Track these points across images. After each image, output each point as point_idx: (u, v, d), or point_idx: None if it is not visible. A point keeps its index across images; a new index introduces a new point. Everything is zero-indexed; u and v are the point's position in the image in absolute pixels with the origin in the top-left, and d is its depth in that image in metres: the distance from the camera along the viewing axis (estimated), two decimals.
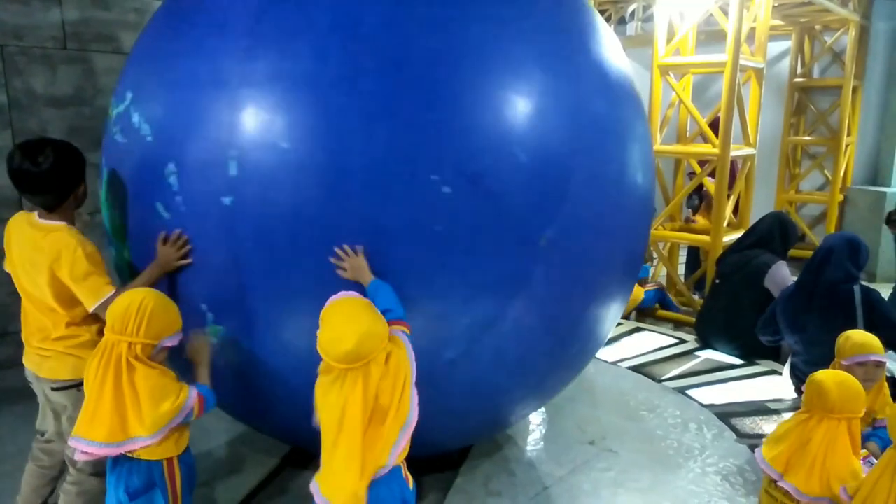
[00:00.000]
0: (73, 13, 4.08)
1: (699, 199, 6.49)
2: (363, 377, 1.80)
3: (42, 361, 2.38)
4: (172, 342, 2.12)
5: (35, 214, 2.34)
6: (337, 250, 2.16)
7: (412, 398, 1.90)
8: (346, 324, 1.81)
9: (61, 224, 2.31)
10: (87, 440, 1.99)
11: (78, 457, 2.06)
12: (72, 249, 2.23)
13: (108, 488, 2.15)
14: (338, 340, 1.79)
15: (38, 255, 2.26)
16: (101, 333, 2.33)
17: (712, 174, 5.40)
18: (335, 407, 1.80)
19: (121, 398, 2.00)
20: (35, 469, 2.56)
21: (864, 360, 2.77)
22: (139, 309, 2.02)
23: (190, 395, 2.10)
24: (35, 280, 2.30)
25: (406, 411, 1.88)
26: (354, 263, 2.15)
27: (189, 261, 2.33)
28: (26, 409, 2.54)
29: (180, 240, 2.32)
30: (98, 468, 2.34)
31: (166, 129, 2.35)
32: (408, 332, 2.01)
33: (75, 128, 4.12)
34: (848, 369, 2.72)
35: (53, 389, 2.39)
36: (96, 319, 2.34)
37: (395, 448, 1.85)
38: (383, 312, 1.95)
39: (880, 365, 2.80)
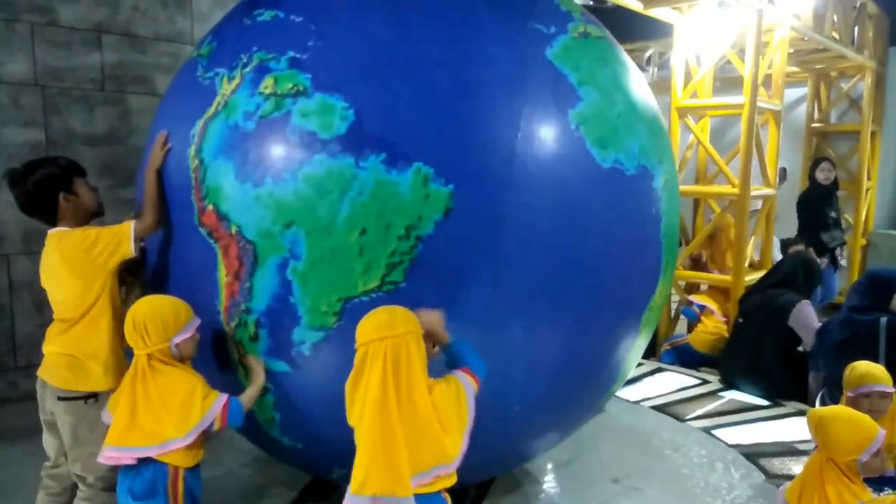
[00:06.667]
0: (112, 56, 4.28)
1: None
2: (389, 350, 1.86)
3: (53, 369, 2.41)
4: (186, 335, 2.19)
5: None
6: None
7: (462, 443, 1.97)
8: (382, 308, 1.98)
9: (69, 229, 2.42)
10: (124, 447, 2.05)
11: (101, 460, 2.11)
12: (77, 231, 2.38)
13: (118, 499, 2.19)
14: (374, 315, 1.94)
15: (54, 254, 2.39)
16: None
17: None
18: (366, 386, 1.87)
19: (154, 403, 2.07)
20: (46, 498, 2.55)
21: (868, 390, 2.74)
22: (136, 324, 2.13)
23: (217, 400, 2.16)
24: (56, 278, 2.40)
25: (453, 448, 1.94)
26: (431, 317, 2.10)
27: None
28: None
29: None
30: (109, 483, 2.36)
31: None
32: (475, 387, 2.06)
33: (108, 165, 4.27)
34: (853, 401, 2.71)
35: (60, 399, 2.40)
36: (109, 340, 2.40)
37: (419, 477, 1.87)
38: (464, 363, 2.06)
39: (885, 396, 2.75)
